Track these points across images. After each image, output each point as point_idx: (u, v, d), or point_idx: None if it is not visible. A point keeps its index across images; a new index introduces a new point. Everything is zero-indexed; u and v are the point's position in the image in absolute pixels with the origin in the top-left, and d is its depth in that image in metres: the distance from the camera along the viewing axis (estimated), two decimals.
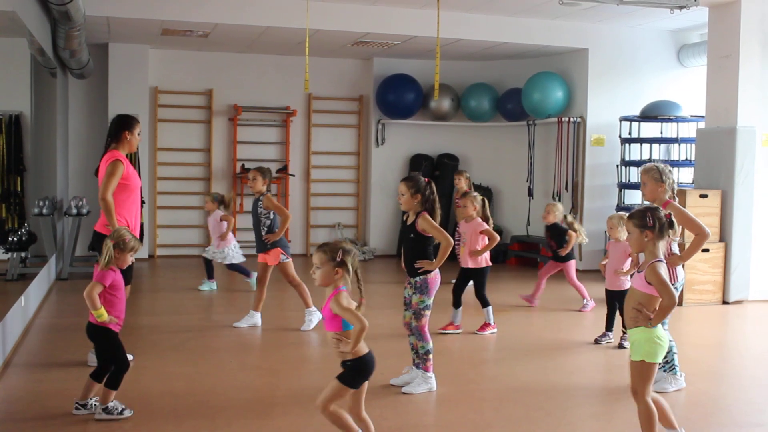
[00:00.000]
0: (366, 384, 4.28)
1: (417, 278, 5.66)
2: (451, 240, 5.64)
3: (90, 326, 5.07)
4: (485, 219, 7.90)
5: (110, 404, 5.00)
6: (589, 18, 11.43)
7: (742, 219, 9.68)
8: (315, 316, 7.73)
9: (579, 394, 5.78)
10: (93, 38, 11.63)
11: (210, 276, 10.00)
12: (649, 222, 4.37)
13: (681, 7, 9.34)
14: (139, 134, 6.48)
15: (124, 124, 6.40)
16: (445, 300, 7.85)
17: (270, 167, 12.86)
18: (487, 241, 7.78)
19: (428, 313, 5.71)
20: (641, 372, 4.28)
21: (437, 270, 5.69)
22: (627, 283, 7.10)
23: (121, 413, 5.00)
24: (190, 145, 13.19)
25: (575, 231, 8.76)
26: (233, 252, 9.87)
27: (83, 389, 5.08)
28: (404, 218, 5.81)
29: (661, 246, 4.39)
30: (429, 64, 13.06)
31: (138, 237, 6.22)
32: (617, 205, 11.75)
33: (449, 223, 12.65)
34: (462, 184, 10.48)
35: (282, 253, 7.70)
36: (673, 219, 4.46)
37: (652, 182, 5.74)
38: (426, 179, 5.70)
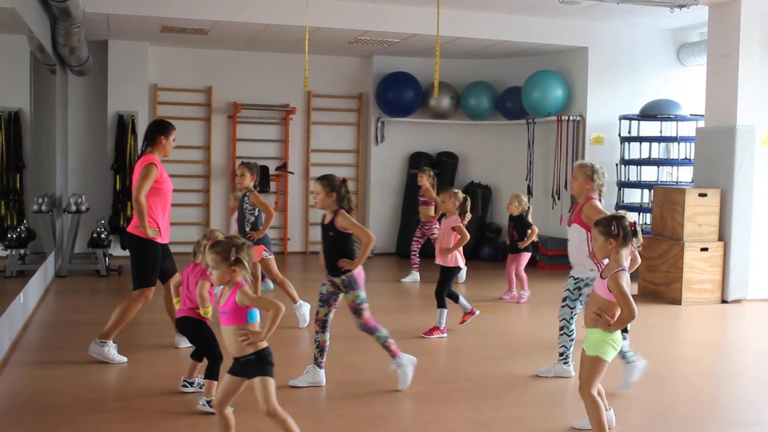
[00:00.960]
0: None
1: (342, 276, 5.58)
2: (372, 236, 5.55)
3: (184, 320, 5.39)
4: (462, 216, 7.62)
5: (212, 398, 5.05)
6: (589, 16, 11.43)
7: (741, 218, 9.68)
8: (305, 308, 7.74)
9: (577, 392, 5.77)
10: (92, 35, 11.62)
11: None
12: (614, 230, 4.47)
13: (681, 6, 9.35)
14: (174, 140, 6.62)
15: (161, 128, 6.56)
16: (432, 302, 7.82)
17: (266, 164, 13.02)
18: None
19: (367, 305, 5.62)
20: (593, 367, 4.43)
21: (360, 265, 5.63)
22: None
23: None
24: (190, 142, 13.17)
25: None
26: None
27: (189, 369, 5.46)
28: (322, 218, 5.71)
29: (624, 253, 4.48)
30: (428, 62, 13.05)
31: (167, 239, 6.39)
32: (617, 203, 11.75)
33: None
34: (424, 181, 10.55)
35: (265, 250, 7.65)
36: (638, 229, 4.55)
37: (583, 178, 5.88)
38: (341, 178, 5.64)
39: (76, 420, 4.90)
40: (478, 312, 7.77)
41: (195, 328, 5.34)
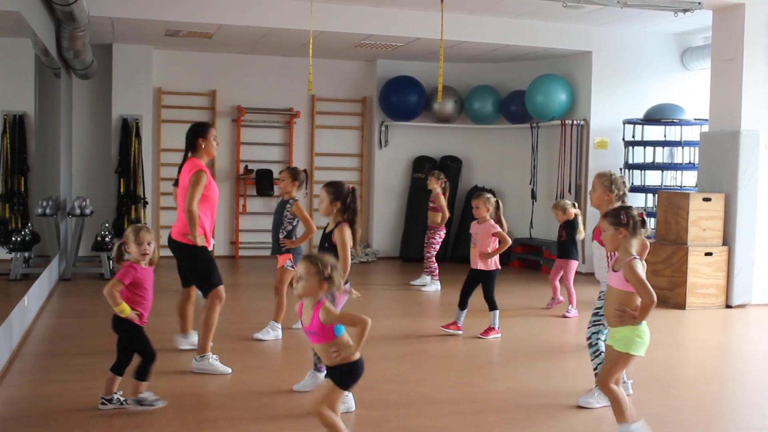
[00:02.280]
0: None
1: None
2: (348, 265, 5.33)
3: (114, 319, 5.18)
4: (498, 221, 7.68)
5: (141, 395, 5.13)
6: (593, 21, 11.43)
7: (746, 222, 9.66)
8: (275, 333, 7.41)
9: (581, 398, 5.76)
10: (97, 39, 11.64)
11: None
12: (623, 219, 4.52)
13: (685, 11, 9.34)
14: (215, 138, 6.47)
15: (197, 131, 6.42)
16: (452, 301, 7.83)
17: (270, 168, 13.03)
18: (498, 244, 7.57)
19: None
20: (619, 361, 4.48)
21: (348, 285, 5.35)
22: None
23: (152, 404, 5.12)
24: None
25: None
26: None
27: (106, 384, 5.19)
28: (325, 227, 5.60)
29: (634, 243, 4.51)
30: (432, 66, 13.05)
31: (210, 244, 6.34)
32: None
33: (453, 223, 12.66)
34: (434, 185, 10.41)
35: (290, 260, 7.55)
36: (645, 219, 4.57)
37: (601, 189, 5.69)
38: (350, 186, 5.51)
39: (80, 424, 4.90)
40: (461, 332, 7.69)
41: (121, 327, 5.18)
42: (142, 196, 12.17)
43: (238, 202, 13.32)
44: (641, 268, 4.44)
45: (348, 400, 5.32)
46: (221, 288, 6.30)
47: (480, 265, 7.59)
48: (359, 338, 4.05)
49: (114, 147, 12.43)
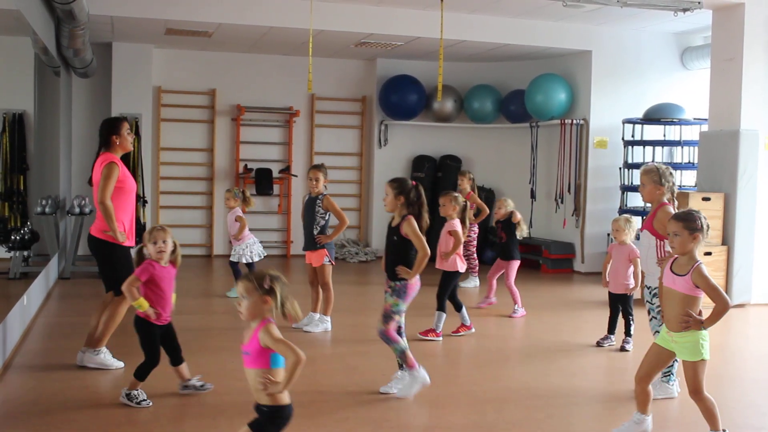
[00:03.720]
0: None
1: (397, 282, 5.53)
2: (428, 251, 5.48)
3: (136, 319, 5.30)
4: (462, 222, 7.59)
5: (133, 391, 5.20)
6: (593, 20, 11.43)
7: (745, 222, 9.67)
8: (325, 325, 7.66)
9: (581, 397, 5.77)
10: (97, 37, 11.64)
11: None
12: (699, 225, 4.46)
13: (685, 10, 9.35)
14: (128, 132, 6.38)
15: (110, 128, 6.35)
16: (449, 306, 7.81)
17: (269, 167, 13.04)
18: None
19: (398, 318, 5.54)
20: (699, 370, 4.47)
21: (418, 277, 5.57)
22: (630, 287, 7.10)
23: (139, 403, 5.17)
24: (193, 144, 13.19)
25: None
26: (242, 251, 9.38)
27: (179, 375, 5.47)
28: (390, 220, 5.70)
29: (700, 249, 4.51)
30: (432, 65, 13.05)
31: (135, 238, 6.28)
32: (620, 207, 11.74)
33: (431, 228, 12.63)
34: (465, 185, 10.35)
35: (326, 255, 7.61)
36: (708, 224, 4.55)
37: (651, 184, 5.70)
38: (413, 182, 5.60)
39: (79, 422, 4.90)
40: (473, 330, 7.70)
41: (139, 325, 5.29)
42: (142, 195, 12.17)
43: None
44: (708, 272, 4.43)
45: (418, 375, 5.46)
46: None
47: (438, 264, 7.50)
48: (288, 375, 3.55)
49: None
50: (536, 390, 5.90)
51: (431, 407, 5.44)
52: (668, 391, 5.70)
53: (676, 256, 4.54)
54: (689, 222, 4.46)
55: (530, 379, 6.20)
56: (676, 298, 4.48)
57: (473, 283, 10.63)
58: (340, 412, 5.25)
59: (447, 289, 7.49)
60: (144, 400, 5.20)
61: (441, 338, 7.45)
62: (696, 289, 4.41)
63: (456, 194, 7.74)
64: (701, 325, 4.41)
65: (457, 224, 7.52)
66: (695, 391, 4.48)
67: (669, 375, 5.69)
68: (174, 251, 5.33)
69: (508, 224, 8.96)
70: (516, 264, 8.91)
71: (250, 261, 9.34)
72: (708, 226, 4.52)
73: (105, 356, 6.18)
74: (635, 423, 4.74)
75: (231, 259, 9.48)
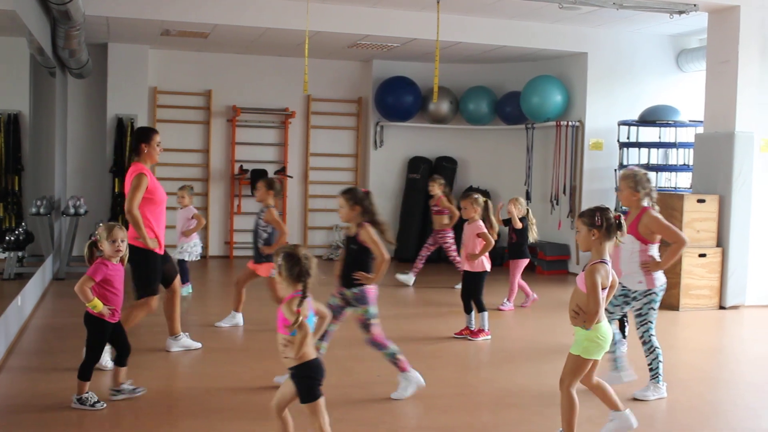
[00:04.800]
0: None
1: (354, 289, 5.50)
2: (386, 256, 5.46)
3: (86, 315, 5.29)
4: (487, 222, 7.72)
5: (83, 395, 5.16)
6: (589, 22, 11.44)
7: (740, 224, 9.68)
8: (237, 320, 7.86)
9: (577, 398, 5.77)
10: (92, 38, 11.63)
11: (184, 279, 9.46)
12: (598, 221, 4.46)
13: (680, 12, 9.37)
14: (158, 144, 6.54)
15: (141, 136, 6.50)
16: (443, 301, 7.84)
17: (265, 168, 13.02)
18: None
19: (376, 321, 5.55)
20: (574, 365, 4.45)
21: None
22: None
23: (93, 405, 5.14)
24: (189, 145, 13.18)
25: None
26: (191, 249, 9.50)
27: (112, 377, 5.40)
28: (348, 230, 5.68)
29: (608, 246, 4.47)
30: (428, 66, 13.06)
31: (162, 249, 6.37)
32: (615, 208, 11.75)
33: (426, 230, 12.70)
34: (435, 190, 10.51)
35: (274, 268, 7.49)
36: (622, 222, 4.52)
37: (628, 190, 5.75)
38: (365, 190, 5.63)
39: (73, 423, 4.90)
40: (489, 337, 7.71)
41: (90, 322, 5.29)
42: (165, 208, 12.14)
43: (232, 202, 13.31)
44: (605, 274, 4.36)
45: (413, 378, 5.54)
46: (156, 299, 6.38)
47: (467, 267, 7.63)
48: (299, 342, 4.01)
49: (109, 146, 12.41)
50: (531, 391, 5.90)
51: (426, 409, 5.44)
52: (660, 391, 5.72)
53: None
54: (588, 218, 4.49)
55: (525, 380, 6.20)
56: (575, 293, 4.50)
57: (406, 279, 10.84)
58: (335, 413, 5.22)
59: (479, 290, 7.62)
60: (97, 401, 5.16)
61: (490, 336, 7.59)
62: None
63: (476, 195, 7.84)
64: (584, 323, 4.37)
65: (482, 226, 7.65)
66: (561, 380, 4.50)
67: (657, 375, 5.70)
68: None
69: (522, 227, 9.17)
70: (524, 262, 9.25)
71: (188, 259, 9.53)
72: (618, 225, 4.47)
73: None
74: (611, 421, 4.77)
75: (179, 257, 9.45)
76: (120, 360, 5.42)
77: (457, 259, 10.57)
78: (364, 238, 5.46)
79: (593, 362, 4.45)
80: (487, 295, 9.18)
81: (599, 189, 12.18)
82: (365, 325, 5.55)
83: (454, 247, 10.60)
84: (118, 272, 5.28)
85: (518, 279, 9.24)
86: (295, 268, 4.07)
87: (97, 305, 5.15)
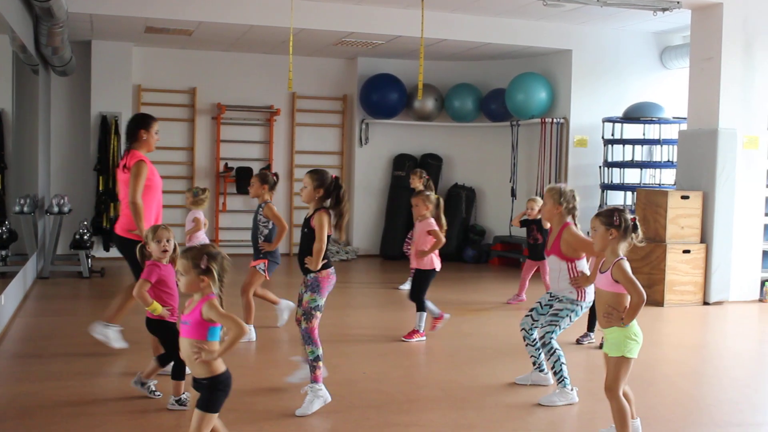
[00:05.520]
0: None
1: (309, 275, 5.32)
2: (324, 245, 5.26)
3: (147, 320, 5.33)
4: (438, 219, 7.61)
5: (183, 396, 5.16)
6: (573, 19, 11.47)
7: (723, 220, 9.74)
8: (248, 335, 7.46)
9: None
10: (76, 35, 11.56)
11: None
12: (616, 221, 4.50)
13: (664, 10, 9.41)
14: (156, 133, 6.43)
15: (140, 122, 6.37)
16: (435, 298, 7.82)
17: (250, 166, 13.00)
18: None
19: (319, 314, 5.32)
20: (619, 367, 4.40)
21: (332, 270, 5.38)
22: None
23: (185, 404, 5.13)
24: (173, 143, 13.12)
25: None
26: None
27: (149, 369, 5.39)
28: (307, 213, 5.45)
29: (623, 247, 4.51)
30: (413, 64, 13.06)
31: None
32: (599, 206, 11.79)
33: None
34: (416, 183, 10.33)
35: (264, 264, 7.26)
36: (638, 224, 4.56)
37: (551, 202, 5.73)
38: (333, 176, 5.43)
39: (57, 423, 4.87)
40: (448, 315, 7.69)
41: (156, 326, 5.33)
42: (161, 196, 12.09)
43: (218, 200, 13.28)
44: (629, 268, 4.43)
45: (321, 393, 5.25)
46: None
47: (415, 264, 7.49)
48: (229, 344, 3.78)
49: (93, 144, 12.35)
50: (516, 388, 5.92)
51: (411, 406, 5.44)
52: (541, 378, 5.87)
53: (604, 258, 4.59)
54: (606, 218, 4.54)
55: (510, 377, 6.21)
56: (602, 296, 4.52)
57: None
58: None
59: (424, 288, 7.48)
60: (188, 399, 5.10)
61: (425, 338, 7.43)
62: (615, 285, 4.42)
63: (428, 193, 7.76)
64: (621, 321, 4.38)
65: (434, 223, 7.52)
66: (609, 387, 4.44)
67: (562, 379, 5.59)
68: (174, 250, 5.31)
69: (542, 224, 8.93)
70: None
71: None
72: (634, 226, 4.51)
73: (114, 332, 6.25)
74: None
75: None
76: (165, 360, 5.37)
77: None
78: (314, 223, 5.30)
79: (629, 361, 4.42)
80: (506, 298, 9.21)
81: (584, 186, 12.21)
82: (307, 314, 5.28)
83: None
84: (170, 272, 5.28)
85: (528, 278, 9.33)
86: (219, 268, 3.86)
87: (157, 308, 5.18)
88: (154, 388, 5.41)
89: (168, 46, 12.88)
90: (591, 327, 7.38)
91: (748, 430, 5.29)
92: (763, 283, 10.08)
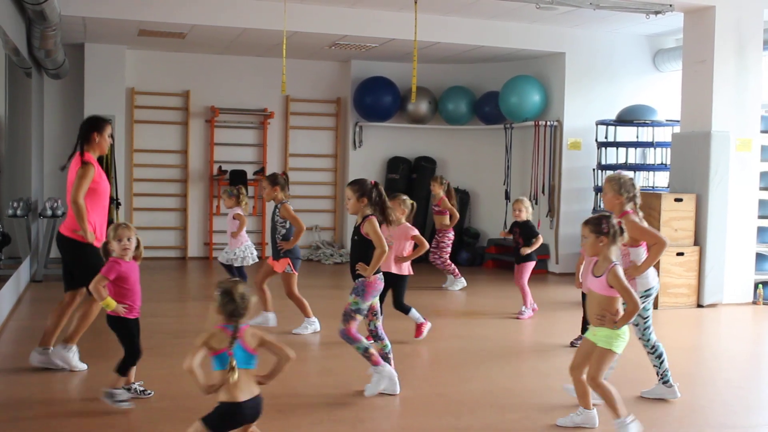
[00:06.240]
0: None
1: (357, 281, 5.55)
2: (385, 248, 5.47)
3: (107, 317, 5.31)
4: (451, 212, 7.62)
5: (115, 390, 5.18)
6: (566, 22, 11.49)
7: (717, 223, 9.76)
8: (313, 326, 7.66)
9: (555, 397, 5.80)
10: (69, 38, 11.54)
11: None
12: (605, 228, 4.72)
13: (656, 13, 9.43)
14: (110, 136, 6.40)
15: (93, 125, 6.33)
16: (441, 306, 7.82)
17: (244, 169, 12.98)
18: (413, 248, 7.46)
19: (359, 317, 5.53)
20: (604, 359, 4.71)
21: (380, 276, 5.58)
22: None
23: (119, 402, 5.16)
24: (167, 146, 13.11)
25: None
26: (242, 254, 8.92)
27: (116, 381, 5.34)
28: (356, 221, 5.68)
29: (614, 251, 4.73)
30: (406, 66, 13.05)
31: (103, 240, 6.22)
32: (593, 208, 11.82)
33: (426, 228, 12.67)
34: (437, 189, 10.32)
35: (289, 264, 7.57)
36: (624, 227, 4.79)
37: (611, 193, 5.75)
38: (372, 182, 5.62)
39: (49, 427, 4.86)
40: (430, 324, 7.61)
41: (114, 323, 5.29)
42: (115, 197, 12.07)
43: (212, 203, 13.26)
44: (623, 274, 4.67)
45: (384, 372, 5.54)
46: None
47: (393, 269, 7.31)
48: (272, 373, 3.97)
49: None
50: (511, 391, 5.92)
51: (405, 409, 5.44)
52: (665, 392, 5.79)
53: (596, 259, 4.79)
54: (594, 226, 4.74)
55: (505, 380, 6.22)
56: (594, 298, 4.76)
57: (460, 285, 10.57)
58: (314, 413, 5.24)
59: (403, 294, 7.45)
60: (124, 401, 5.17)
61: (429, 323, 7.53)
62: (610, 289, 4.66)
63: (404, 197, 7.77)
64: (614, 324, 4.65)
65: (413, 228, 7.53)
66: (592, 377, 4.74)
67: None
68: (138, 247, 5.33)
69: (526, 228, 8.77)
70: (531, 265, 8.79)
71: (240, 264, 8.91)
72: (621, 230, 4.74)
73: (73, 355, 6.13)
74: (577, 414, 5.03)
75: (221, 260, 9.05)
76: (122, 369, 5.35)
77: (447, 262, 10.52)
78: (366, 230, 5.49)
79: (614, 355, 4.73)
80: (501, 301, 9.20)
81: (578, 188, 12.25)
82: (346, 315, 5.53)
83: (449, 249, 10.46)
84: (132, 270, 5.29)
85: (525, 281, 8.80)
86: (229, 305, 3.89)
87: (110, 303, 5.17)
88: (141, 389, 5.42)
89: (161, 49, 12.87)
90: (584, 329, 7.37)
91: (742, 431, 5.29)
92: (756, 286, 10.10)
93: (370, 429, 5.01)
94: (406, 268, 7.42)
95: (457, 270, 10.60)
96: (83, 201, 6.04)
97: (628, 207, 5.73)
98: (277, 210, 7.68)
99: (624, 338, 4.72)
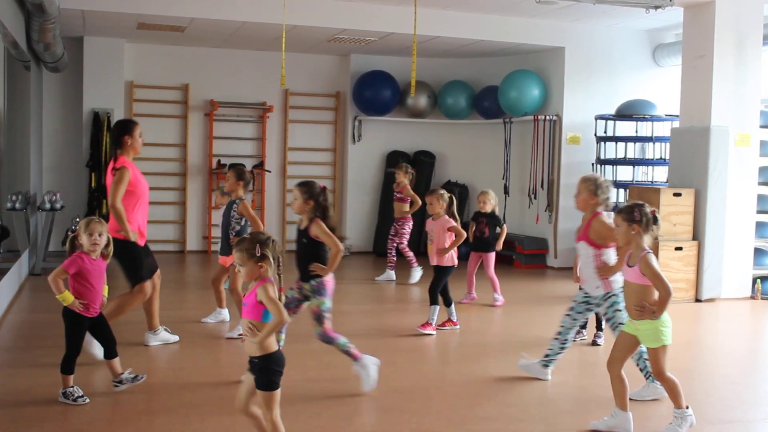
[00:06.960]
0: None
1: (312, 281, 5.52)
2: (341, 247, 5.55)
3: (64, 308, 5.25)
4: (452, 217, 7.75)
5: (68, 389, 5.15)
6: (566, 17, 11.48)
7: (715, 217, 9.76)
8: (221, 316, 7.80)
9: (553, 391, 5.81)
10: (68, 31, 11.53)
11: None
12: (637, 216, 4.72)
13: (656, 7, 9.41)
14: (140, 135, 6.59)
15: (123, 129, 6.52)
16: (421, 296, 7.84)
17: (243, 162, 12.96)
18: (453, 239, 7.63)
19: (330, 315, 5.57)
20: (660, 355, 4.74)
21: (332, 274, 5.61)
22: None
23: (75, 400, 5.13)
24: (166, 140, 13.10)
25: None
26: None
27: (110, 370, 5.41)
28: (299, 222, 5.70)
29: (647, 240, 4.73)
30: (406, 60, 13.04)
31: (144, 240, 6.45)
32: None
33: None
34: (401, 177, 10.47)
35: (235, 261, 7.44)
36: (658, 215, 4.78)
37: (587, 193, 5.80)
38: (321, 186, 5.65)
39: (50, 419, 4.87)
40: (458, 327, 7.72)
41: (66, 316, 5.26)
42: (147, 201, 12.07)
43: (210, 197, 13.26)
44: (656, 262, 4.65)
45: (366, 362, 5.55)
46: (147, 284, 6.47)
47: (435, 261, 7.62)
48: (268, 331, 3.99)
49: (85, 141, 12.32)
50: (509, 385, 5.93)
51: (403, 402, 5.45)
52: (657, 391, 5.73)
53: (630, 251, 4.80)
54: (627, 214, 4.75)
55: (503, 373, 6.23)
56: (631, 288, 4.77)
57: (387, 276, 10.71)
58: (312, 407, 5.25)
59: (440, 283, 7.61)
60: (80, 396, 5.15)
61: (436, 332, 7.53)
62: (644, 277, 4.66)
63: (442, 191, 7.87)
64: (653, 314, 4.66)
65: (451, 220, 7.69)
66: (657, 373, 4.80)
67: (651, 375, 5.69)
68: (107, 245, 5.31)
69: (493, 219, 9.09)
70: (494, 255, 9.11)
71: None
72: (654, 218, 4.73)
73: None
74: (612, 417, 4.90)
75: None
76: (108, 353, 5.40)
77: (408, 251, 10.61)
78: (316, 233, 5.51)
79: (666, 348, 4.75)
80: (478, 290, 9.23)
81: (576, 183, 12.22)
82: (319, 317, 5.52)
83: (408, 237, 10.59)
84: (96, 268, 5.23)
85: (492, 271, 9.12)
86: (267, 250, 4.08)
87: (67, 298, 5.11)
88: (131, 375, 5.41)
89: (160, 43, 12.85)
90: (584, 324, 7.38)
91: (739, 427, 5.31)
92: (754, 281, 10.12)
93: (367, 422, 5.03)
94: (450, 259, 7.60)
95: (415, 259, 10.67)
96: (121, 205, 6.23)
97: (600, 208, 5.76)
98: (235, 206, 7.47)
99: (668, 326, 4.72)
